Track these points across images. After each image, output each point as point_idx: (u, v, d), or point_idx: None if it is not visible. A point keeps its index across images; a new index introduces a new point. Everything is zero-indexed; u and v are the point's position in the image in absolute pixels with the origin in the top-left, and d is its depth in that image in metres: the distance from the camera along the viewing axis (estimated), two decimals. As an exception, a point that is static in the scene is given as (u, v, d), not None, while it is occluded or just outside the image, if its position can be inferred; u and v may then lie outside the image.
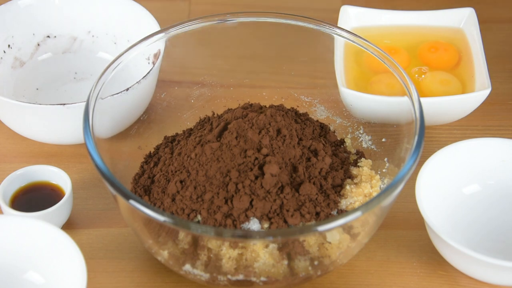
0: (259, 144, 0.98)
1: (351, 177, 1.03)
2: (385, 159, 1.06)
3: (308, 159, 1.00)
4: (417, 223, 1.06)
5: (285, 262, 0.95)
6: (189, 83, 1.16)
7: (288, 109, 1.08)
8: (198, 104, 1.15)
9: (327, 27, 1.08)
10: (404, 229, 1.07)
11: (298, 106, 1.14)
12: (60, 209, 1.03)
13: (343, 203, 1.00)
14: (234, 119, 1.01)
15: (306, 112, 1.10)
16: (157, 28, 1.19)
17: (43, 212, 1.02)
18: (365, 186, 1.01)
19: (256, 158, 0.97)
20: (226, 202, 0.96)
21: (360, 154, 1.08)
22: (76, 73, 1.25)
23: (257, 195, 0.95)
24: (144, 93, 1.12)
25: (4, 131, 1.18)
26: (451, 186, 1.06)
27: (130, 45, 1.06)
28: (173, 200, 0.98)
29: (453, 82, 1.18)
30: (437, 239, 0.99)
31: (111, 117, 1.05)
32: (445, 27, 1.26)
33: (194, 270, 0.96)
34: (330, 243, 0.95)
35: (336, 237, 0.95)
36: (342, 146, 1.09)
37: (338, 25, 1.22)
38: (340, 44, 1.15)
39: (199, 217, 0.96)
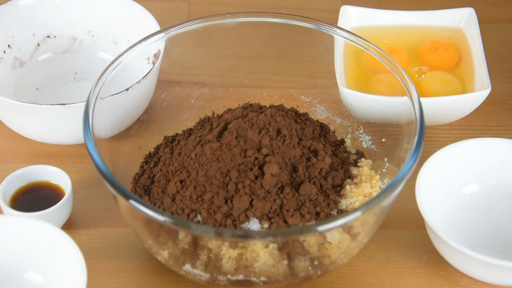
0: (259, 144, 0.98)
1: (351, 177, 1.03)
2: (385, 159, 1.06)
3: (308, 159, 1.00)
4: (417, 223, 1.06)
5: (285, 262, 0.95)
6: (189, 83, 1.16)
7: (288, 109, 1.08)
8: (198, 104, 1.15)
9: (327, 27, 1.08)
10: (404, 229, 1.07)
11: (298, 106, 1.14)
12: (60, 209, 1.03)
13: (343, 203, 1.00)
14: (234, 119, 1.01)
15: (306, 112, 1.10)
16: (157, 28, 1.19)
17: (43, 212, 1.02)
18: (365, 186, 1.01)
19: (256, 158, 0.97)
20: (226, 202, 0.96)
21: (360, 154, 1.08)
22: (76, 73, 1.25)
23: (257, 195, 0.96)
24: (144, 93, 1.12)
25: (4, 131, 1.18)
26: (451, 186, 1.06)
27: (130, 45, 1.06)
28: (173, 200, 0.98)
29: (453, 82, 1.18)
30: (437, 239, 0.99)
31: (111, 117, 1.05)
32: (445, 27, 1.26)
33: (194, 270, 0.96)
34: (330, 243, 0.95)
35: (336, 237, 0.95)
36: (342, 146, 1.09)
37: (338, 25, 1.22)
38: (340, 44, 1.15)
39: (199, 217, 0.96)
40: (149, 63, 1.17)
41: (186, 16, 1.37)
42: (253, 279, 0.95)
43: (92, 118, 0.98)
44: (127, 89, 1.08)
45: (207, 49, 1.13)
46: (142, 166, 1.07)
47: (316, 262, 0.96)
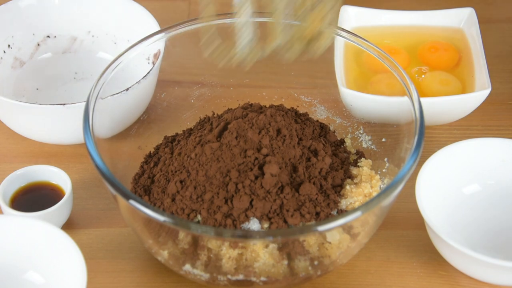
0: (259, 144, 0.97)
1: (351, 177, 1.03)
2: (385, 159, 1.06)
3: (308, 159, 1.00)
4: (417, 223, 1.06)
5: (285, 262, 0.95)
6: (189, 83, 1.15)
7: (288, 109, 1.08)
8: (198, 104, 1.15)
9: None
10: (404, 229, 1.07)
11: (298, 106, 1.14)
12: (60, 209, 1.03)
13: (343, 203, 1.00)
14: (234, 119, 1.01)
15: (306, 112, 1.10)
16: (157, 28, 1.19)
17: (43, 212, 1.02)
18: (365, 186, 1.01)
19: (256, 158, 0.97)
20: (226, 202, 0.96)
21: (360, 154, 1.08)
22: (76, 73, 1.25)
23: (257, 195, 0.95)
24: (144, 93, 1.12)
25: (4, 131, 1.18)
26: (451, 186, 1.06)
27: (130, 45, 1.06)
28: (173, 200, 0.98)
29: (453, 82, 1.18)
30: (437, 239, 0.99)
31: (111, 117, 1.05)
32: (445, 27, 1.26)
33: (194, 270, 0.96)
34: (330, 243, 0.95)
35: (336, 237, 0.95)
36: (342, 146, 1.09)
37: (338, 25, 1.22)
38: (340, 44, 1.15)
39: (199, 217, 0.96)
40: (149, 63, 1.17)
41: (186, 16, 1.37)
42: (253, 279, 0.95)
43: (92, 118, 0.98)
44: (127, 89, 1.08)
45: (207, 49, 1.13)
46: (142, 166, 1.07)
47: (316, 262, 0.96)
